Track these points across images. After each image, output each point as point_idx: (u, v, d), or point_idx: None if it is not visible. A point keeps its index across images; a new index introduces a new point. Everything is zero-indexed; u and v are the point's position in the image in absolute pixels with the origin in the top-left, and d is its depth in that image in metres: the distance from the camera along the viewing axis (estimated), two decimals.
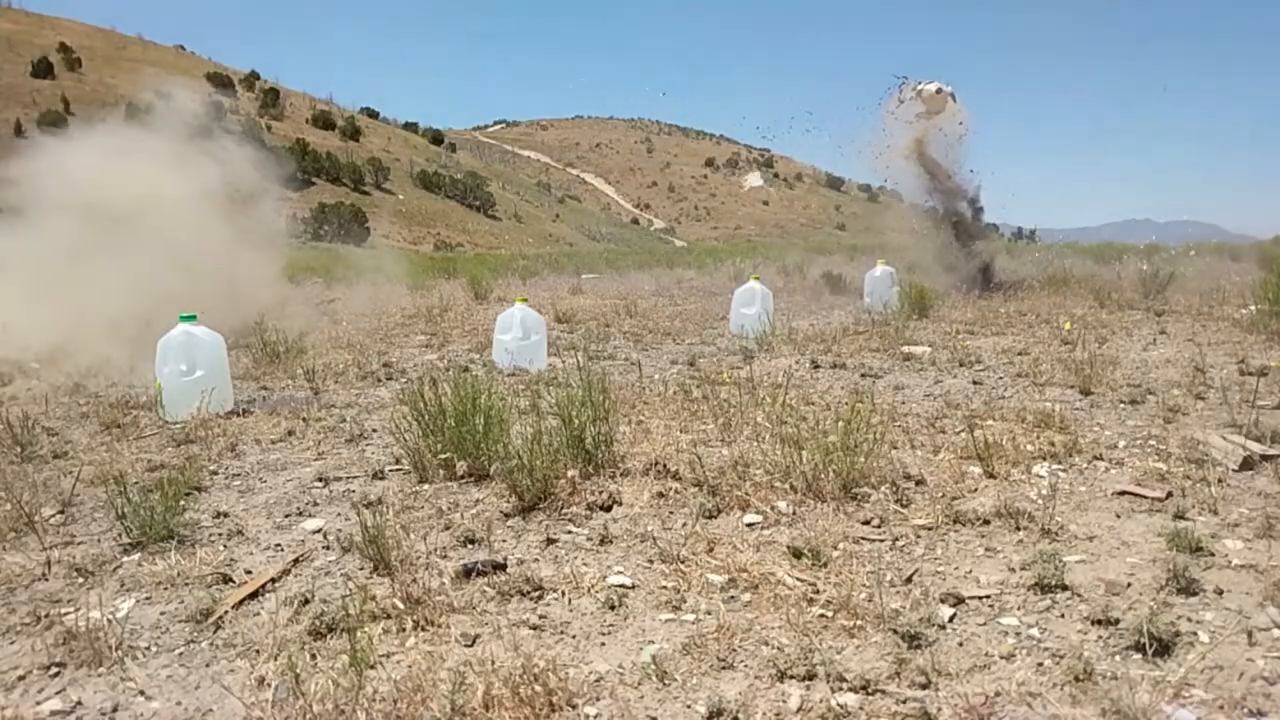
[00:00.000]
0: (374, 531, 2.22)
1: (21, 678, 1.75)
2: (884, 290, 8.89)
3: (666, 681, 1.66)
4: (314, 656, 1.79)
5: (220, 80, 75.33)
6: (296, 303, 10.05)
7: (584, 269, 17.78)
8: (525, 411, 3.69)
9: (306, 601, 2.05)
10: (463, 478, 2.96)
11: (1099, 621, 1.84)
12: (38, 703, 1.66)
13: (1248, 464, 2.89)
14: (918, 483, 2.83)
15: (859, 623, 1.85)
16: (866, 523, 2.50)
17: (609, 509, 2.69)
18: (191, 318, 4.35)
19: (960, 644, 1.79)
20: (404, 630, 1.89)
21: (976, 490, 2.76)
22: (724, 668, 1.71)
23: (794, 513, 2.58)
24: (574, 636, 1.87)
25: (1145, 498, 2.63)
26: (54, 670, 1.77)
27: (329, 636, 1.87)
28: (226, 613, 2.01)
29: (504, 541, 2.44)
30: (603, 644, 1.84)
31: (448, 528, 2.53)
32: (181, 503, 2.62)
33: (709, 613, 1.94)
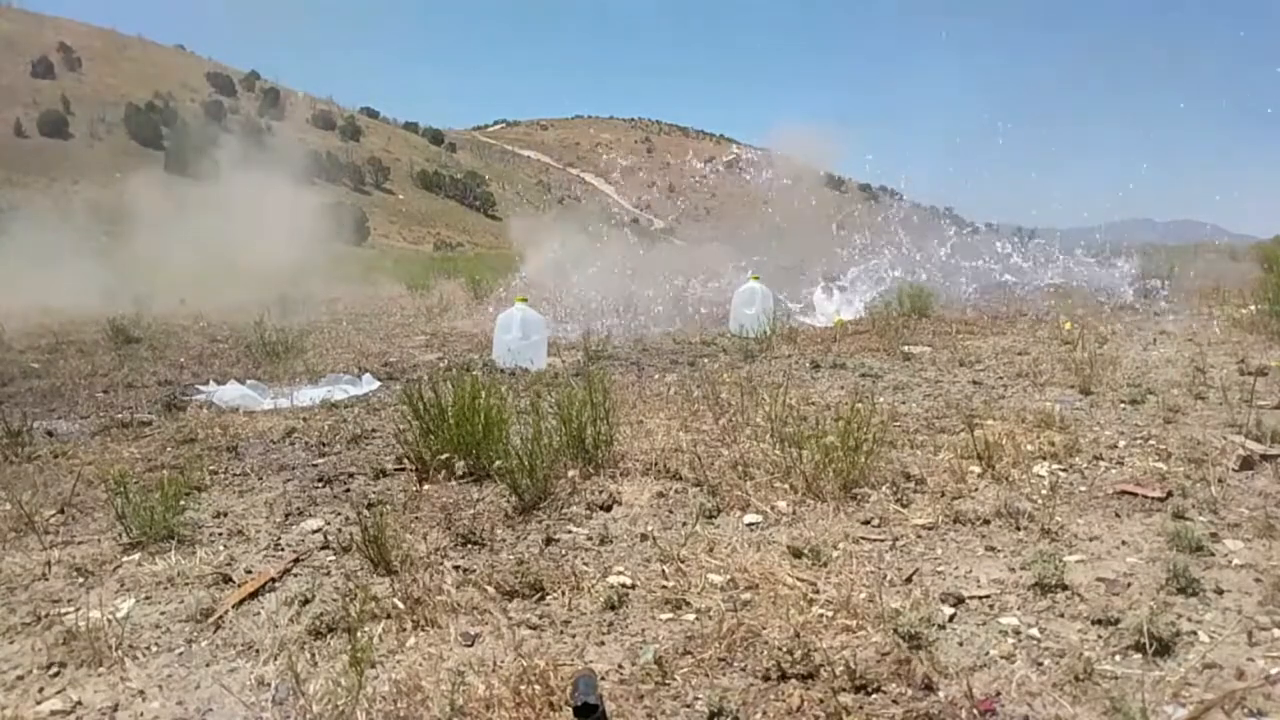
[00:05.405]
0: (374, 531, 2.22)
1: (21, 678, 1.75)
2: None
3: (667, 681, 1.66)
4: (314, 656, 1.79)
5: (220, 80, 75.26)
6: (298, 301, 10.05)
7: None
8: (525, 411, 3.69)
9: (306, 601, 2.05)
10: (463, 478, 2.95)
11: (1099, 621, 1.84)
12: (38, 703, 1.66)
13: (1248, 464, 2.89)
14: (918, 483, 2.82)
15: (859, 622, 1.85)
16: (866, 523, 2.50)
17: (609, 509, 2.69)
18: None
19: (960, 644, 1.79)
20: (404, 630, 1.89)
21: (976, 490, 2.76)
22: (724, 668, 1.71)
23: (794, 513, 2.58)
24: (574, 636, 1.87)
25: (1145, 497, 2.63)
26: (54, 670, 1.77)
27: (329, 636, 1.87)
28: (226, 613, 2.01)
29: (504, 541, 2.44)
30: (602, 644, 1.84)
31: (448, 527, 2.53)
32: (181, 502, 2.62)
33: (709, 610, 1.94)
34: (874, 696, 1.59)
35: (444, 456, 2.97)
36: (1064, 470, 2.95)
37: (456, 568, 2.23)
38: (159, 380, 5.42)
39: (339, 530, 2.54)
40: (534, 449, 2.71)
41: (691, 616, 1.94)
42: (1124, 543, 2.30)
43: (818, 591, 2.02)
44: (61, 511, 2.75)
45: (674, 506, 2.69)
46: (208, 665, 1.79)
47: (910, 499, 2.67)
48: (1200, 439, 3.25)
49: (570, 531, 2.50)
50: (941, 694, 1.59)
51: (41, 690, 1.70)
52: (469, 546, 2.40)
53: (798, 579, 2.09)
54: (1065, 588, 2.01)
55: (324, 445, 3.63)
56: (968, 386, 4.57)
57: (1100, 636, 1.79)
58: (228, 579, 2.22)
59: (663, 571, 2.18)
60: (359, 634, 1.82)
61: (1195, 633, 1.79)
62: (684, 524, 2.52)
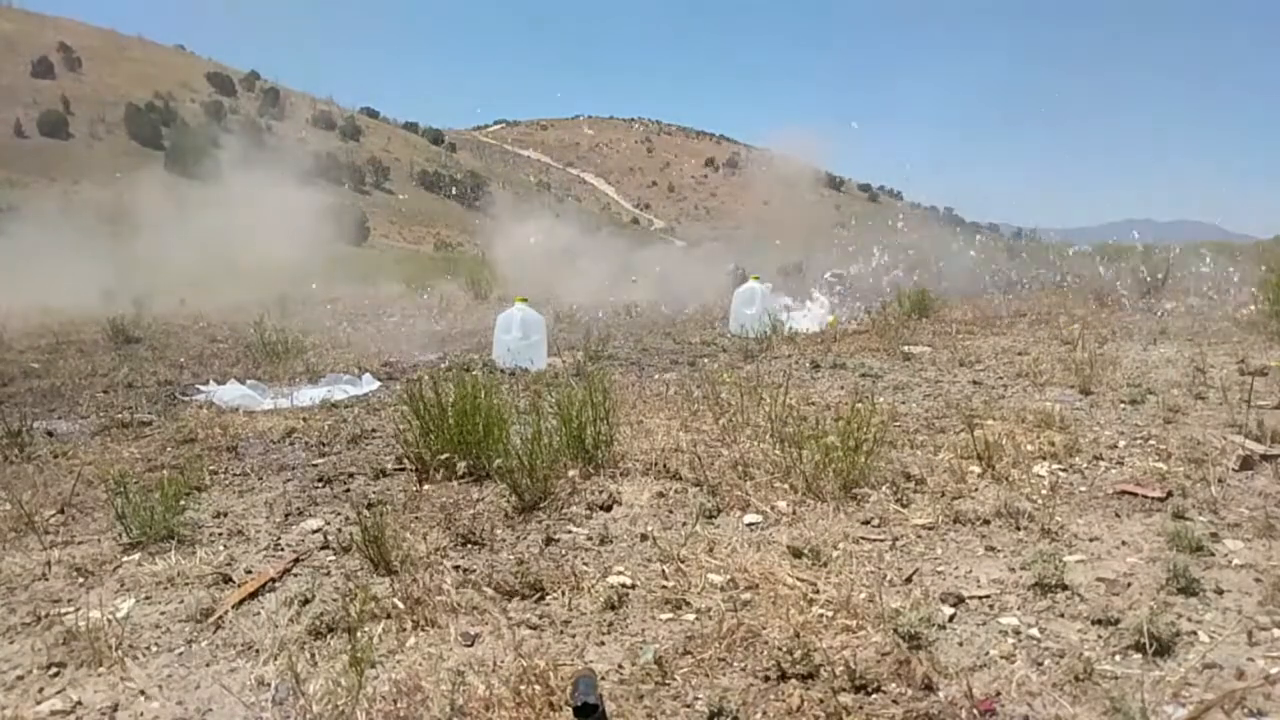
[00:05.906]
0: (374, 531, 2.22)
1: (21, 678, 1.75)
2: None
3: (667, 681, 1.66)
4: (314, 656, 1.79)
5: (220, 80, 75.21)
6: (298, 302, 10.06)
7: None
8: (525, 411, 3.69)
9: (306, 601, 2.05)
10: (463, 478, 2.95)
11: (1099, 621, 1.84)
12: (38, 703, 1.66)
13: (1248, 464, 2.89)
14: (918, 483, 2.82)
15: (859, 622, 1.85)
16: (866, 523, 2.50)
17: (609, 509, 2.69)
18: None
19: (960, 644, 1.79)
20: (404, 630, 1.89)
21: (976, 490, 2.76)
22: (724, 668, 1.71)
23: (794, 513, 2.58)
24: (574, 636, 1.87)
25: (1145, 497, 2.63)
26: (54, 670, 1.77)
27: (329, 636, 1.87)
28: (226, 613, 2.01)
29: (504, 541, 2.44)
30: (602, 644, 1.84)
31: (448, 527, 2.53)
32: (181, 502, 2.62)
33: (709, 610, 1.94)
34: (874, 696, 1.59)
35: (444, 456, 2.97)
36: (1064, 470, 2.95)
37: (456, 568, 2.23)
38: (159, 380, 5.42)
39: (339, 530, 2.54)
40: (534, 449, 2.71)
41: (691, 616, 1.94)
42: (1124, 543, 2.30)
43: (818, 591, 2.02)
44: (61, 511, 2.75)
45: (674, 506, 2.69)
46: (208, 665, 1.79)
47: (910, 499, 2.67)
48: (1200, 439, 3.25)
49: (570, 531, 2.50)
50: (941, 694, 1.59)
51: (41, 690, 1.70)
52: (469, 546, 2.40)
53: (798, 579, 2.09)
54: (1065, 588, 2.01)
55: (324, 445, 3.63)
56: (968, 386, 4.57)
57: (1100, 636, 1.79)
58: (228, 579, 2.22)
59: (663, 571, 2.18)
60: (359, 634, 1.83)
61: (1195, 633, 1.79)
62: (684, 524, 2.52)
